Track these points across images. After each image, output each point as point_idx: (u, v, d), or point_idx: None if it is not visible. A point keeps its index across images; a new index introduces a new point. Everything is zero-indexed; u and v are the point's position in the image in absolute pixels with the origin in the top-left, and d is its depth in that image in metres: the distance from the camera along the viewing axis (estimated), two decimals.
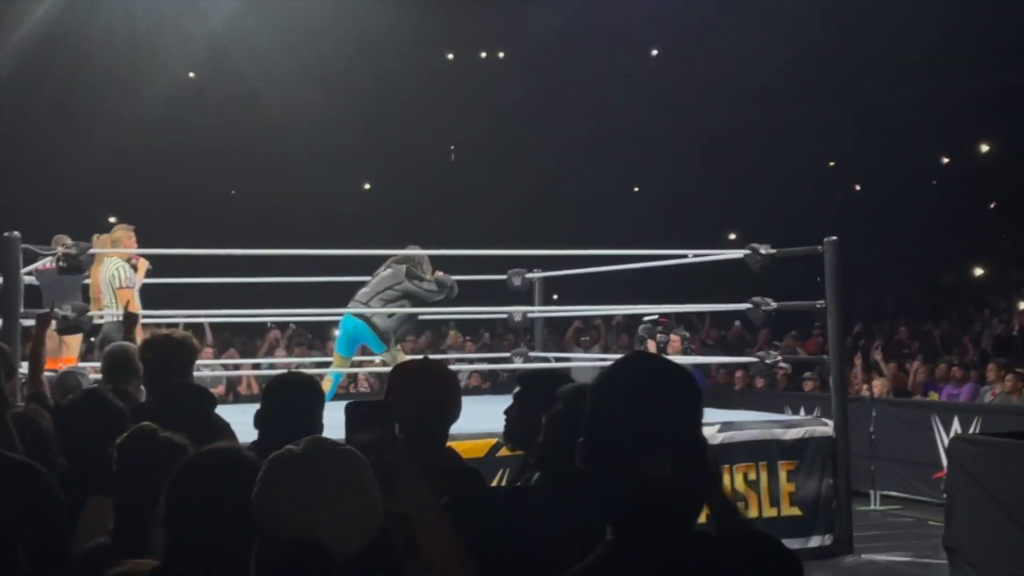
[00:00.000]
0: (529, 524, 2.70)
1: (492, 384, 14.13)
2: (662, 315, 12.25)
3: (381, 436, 2.31)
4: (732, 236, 20.35)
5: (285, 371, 4.64)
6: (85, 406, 3.87)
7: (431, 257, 10.12)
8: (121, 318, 8.15)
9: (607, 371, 2.02)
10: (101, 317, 8.88)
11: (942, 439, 10.93)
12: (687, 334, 12.91)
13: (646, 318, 12.14)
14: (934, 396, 12.84)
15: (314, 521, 2.04)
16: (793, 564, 2.01)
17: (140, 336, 6.92)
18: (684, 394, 1.97)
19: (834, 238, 9.19)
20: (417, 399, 3.37)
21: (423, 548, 2.28)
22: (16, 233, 7.79)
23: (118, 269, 9.06)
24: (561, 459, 2.87)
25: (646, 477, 1.88)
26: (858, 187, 24.03)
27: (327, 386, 9.52)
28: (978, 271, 21.22)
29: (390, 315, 9.73)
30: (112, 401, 3.94)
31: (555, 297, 14.42)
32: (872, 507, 11.32)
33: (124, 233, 9.30)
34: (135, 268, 9.32)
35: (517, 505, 2.86)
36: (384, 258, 10.03)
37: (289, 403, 3.77)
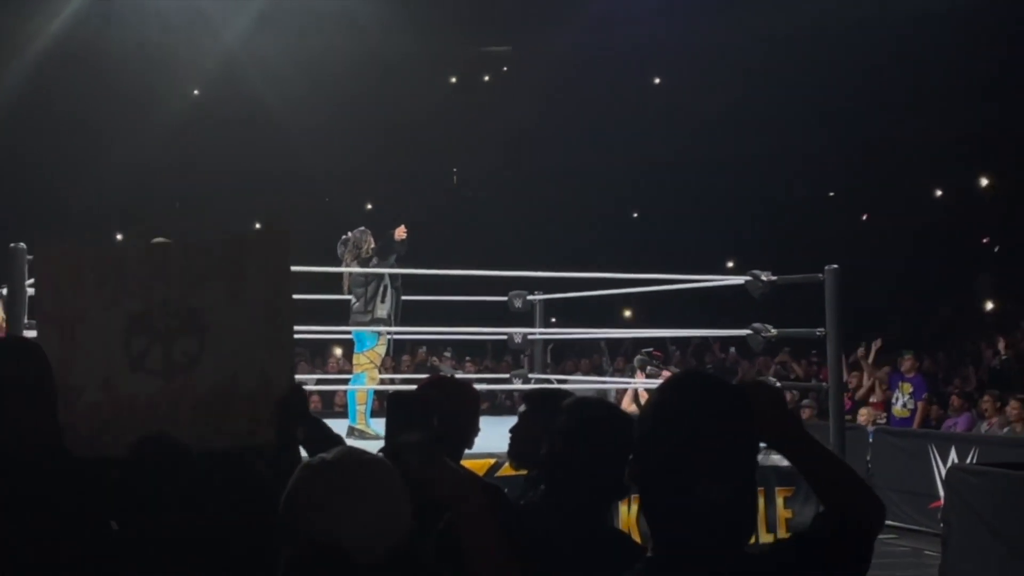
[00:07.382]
0: (539, 539, 2.72)
1: (491, 405, 14.13)
2: (657, 349, 12.25)
3: (420, 423, 2.53)
4: (730, 264, 20.39)
5: None
6: None
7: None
8: None
9: (667, 389, 1.99)
10: None
11: (939, 469, 10.96)
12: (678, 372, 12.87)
13: (643, 349, 12.17)
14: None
15: (335, 526, 2.08)
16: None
17: None
18: (743, 416, 1.94)
19: (835, 266, 9.21)
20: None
21: (464, 531, 2.31)
22: (22, 244, 7.80)
23: None
24: (566, 472, 2.91)
25: (704, 499, 1.85)
26: (864, 216, 24.08)
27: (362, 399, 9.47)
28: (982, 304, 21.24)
29: (368, 309, 9.68)
30: None
31: (554, 320, 14.43)
32: None
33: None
34: None
35: (529, 521, 2.87)
36: (372, 277, 9.83)
37: None
